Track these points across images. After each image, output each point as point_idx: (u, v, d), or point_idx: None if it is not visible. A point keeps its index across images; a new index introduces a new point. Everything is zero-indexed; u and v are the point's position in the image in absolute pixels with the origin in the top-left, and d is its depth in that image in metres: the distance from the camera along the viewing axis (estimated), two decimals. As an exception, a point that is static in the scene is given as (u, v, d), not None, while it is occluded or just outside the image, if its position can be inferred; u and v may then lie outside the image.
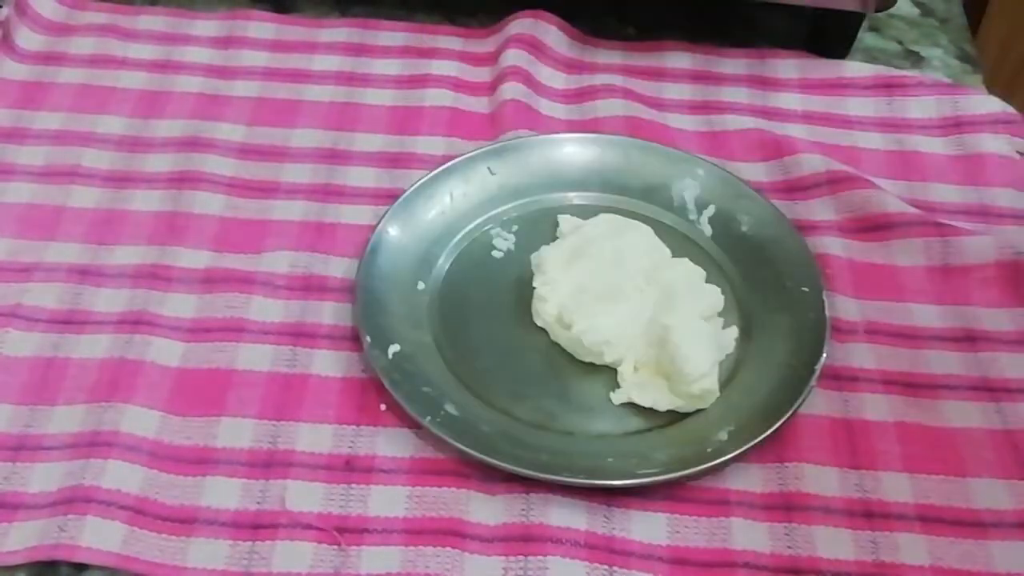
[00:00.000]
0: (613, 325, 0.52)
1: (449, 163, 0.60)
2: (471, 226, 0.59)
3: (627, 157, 0.61)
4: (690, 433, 0.50)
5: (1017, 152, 0.63)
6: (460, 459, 0.49)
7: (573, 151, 0.61)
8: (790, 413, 0.50)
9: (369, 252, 0.56)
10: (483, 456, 0.48)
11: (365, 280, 0.54)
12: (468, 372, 0.53)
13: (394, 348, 0.52)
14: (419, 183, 0.59)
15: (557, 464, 0.48)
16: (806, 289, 0.54)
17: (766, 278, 0.55)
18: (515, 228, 0.59)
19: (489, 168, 0.60)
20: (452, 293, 0.56)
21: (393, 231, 0.57)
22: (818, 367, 0.51)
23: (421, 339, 0.54)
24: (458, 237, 0.58)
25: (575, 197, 0.60)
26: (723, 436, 0.50)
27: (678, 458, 0.49)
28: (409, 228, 0.57)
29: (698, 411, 0.51)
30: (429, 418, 0.49)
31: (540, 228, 0.58)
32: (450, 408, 0.51)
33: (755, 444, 0.49)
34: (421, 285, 0.56)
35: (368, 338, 0.52)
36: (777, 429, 0.49)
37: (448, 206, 0.59)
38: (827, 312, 0.53)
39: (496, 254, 0.58)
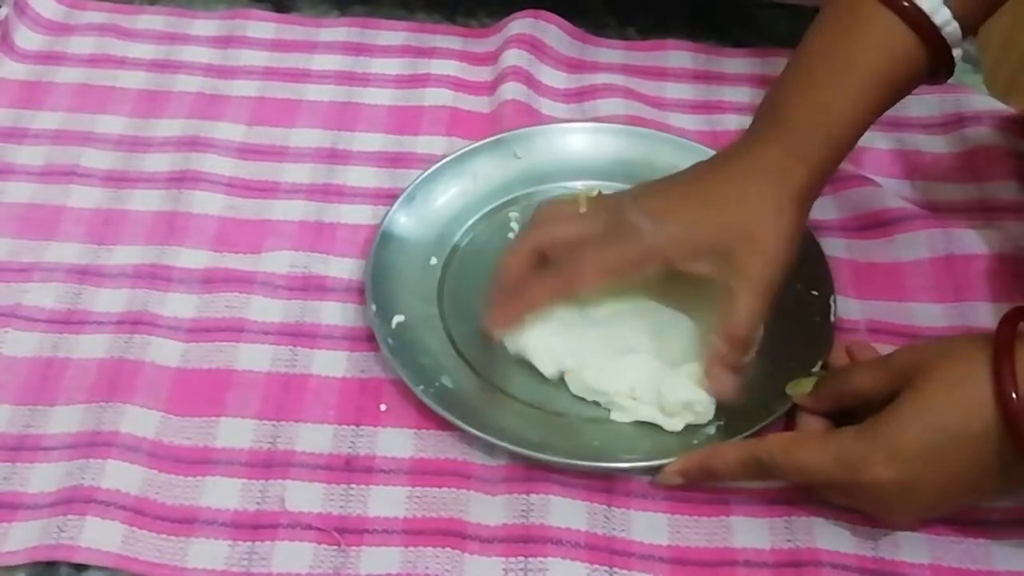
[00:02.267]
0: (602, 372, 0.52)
1: (477, 143, 0.60)
2: (491, 207, 0.59)
3: (653, 150, 0.61)
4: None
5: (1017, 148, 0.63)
6: (458, 437, 0.50)
7: (600, 140, 0.62)
8: (778, 415, 0.50)
9: (387, 223, 0.56)
10: (470, 428, 0.49)
11: (380, 250, 0.55)
12: (468, 348, 0.53)
13: (399, 318, 0.53)
14: (445, 161, 0.59)
15: (542, 443, 0.49)
16: (815, 293, 0.54)
17: None
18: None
19: (515, 152, 0.61)
20: (463, 271, 0.57)
21: (413, 205, 0.58)
22: (815, 370, 0.51)
23: (427, 311, 0.54)
24: (477, 217, 0.59)
25: (598, 186, 0.60)
26: (711, 430, 0.50)
27: (663, 446, 0.49)
28: (429, 204, 0.58)
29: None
30: (422, 387, 0.50)
31: None
32: (446, 380, 0.51)
33: (740, 440, 0.49)
34: (434, 260, 0.57)
35: (374, 306, 0.53)
36: (764, 428, 0.49)
37: (471, 186, 0.59)
38: (833, 318, 0.53)
39: (511, 236, 0.58)
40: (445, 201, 0.59)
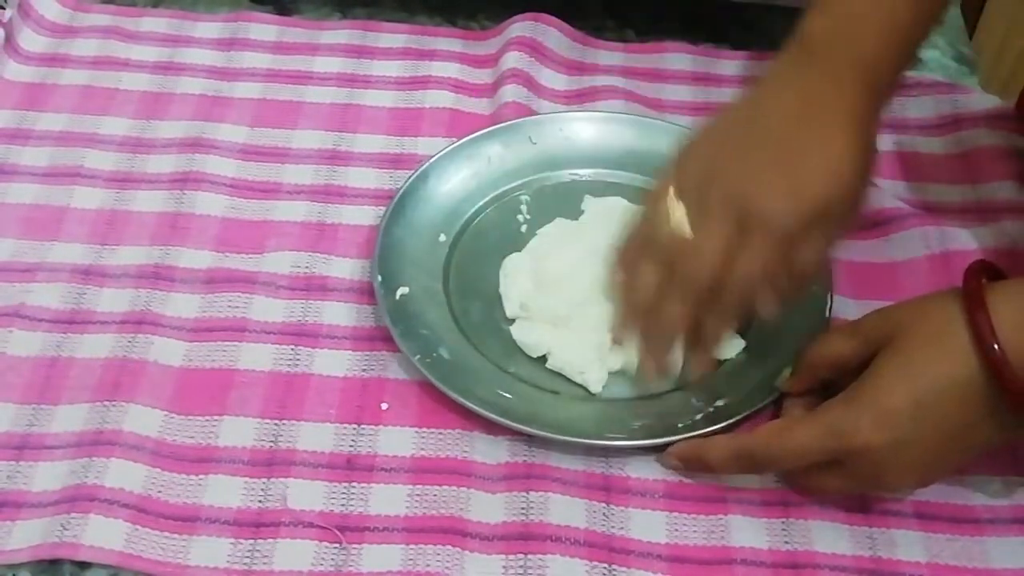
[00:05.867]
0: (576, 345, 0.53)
1: (492, 127, 0.61)
2: (502, 189, 0.60)
3: (663, 141, 0.61)
4: (669, 408, 0.51)
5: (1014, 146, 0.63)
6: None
7: (613, 129, 0.63)
8: (766, 402, 0.51)
9: (399, 199, 0.58)
10: (462, 399, 0.50)
11: (389, 225, 0.56)
12: (468, 323, 0.54)
13: (403, 290, 0.54)
14: (460, 143, 0.60)
15: (529, 416, 0.50)
16: (814, 289, 0.55)
17: None
18: (544, 197, 0.60)
19: (530, 137, 0.62)
20: (470, 249, 0.58)
21: (426, 184, 0.59)
22: None
23: (431, 286, 0.55)
24: (488, 198, 0.60)
25: (609, 175, 0.61)
26: (698, 416, 0.50)
27: (648, 429, 0.50)
28: (442, 183, 0.59)
29: (682, 388, 0.52)
30: (419, 357, 0.51)
31: (569, 201, 0.60)
32: (443, 352, 0.52)
33: (725, 427, 0.49)
34: (443, 237, 0.58)
35: (380, 276, 0.54)
36: (749, 417, 0.50)
37: (484, 168, 0.60)
38: (829, 313, 0.54)
39: (520, 218, 0.59)
40: (458, 180, 0.60)
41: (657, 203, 0.50)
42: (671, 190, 0.49)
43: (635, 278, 0.50)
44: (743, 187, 0.47)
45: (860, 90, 0.48)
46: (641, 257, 0.50)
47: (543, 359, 0.53)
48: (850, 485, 0.47)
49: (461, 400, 0.50)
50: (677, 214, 0.48)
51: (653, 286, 0.49)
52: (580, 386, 0.52)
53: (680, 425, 0.50)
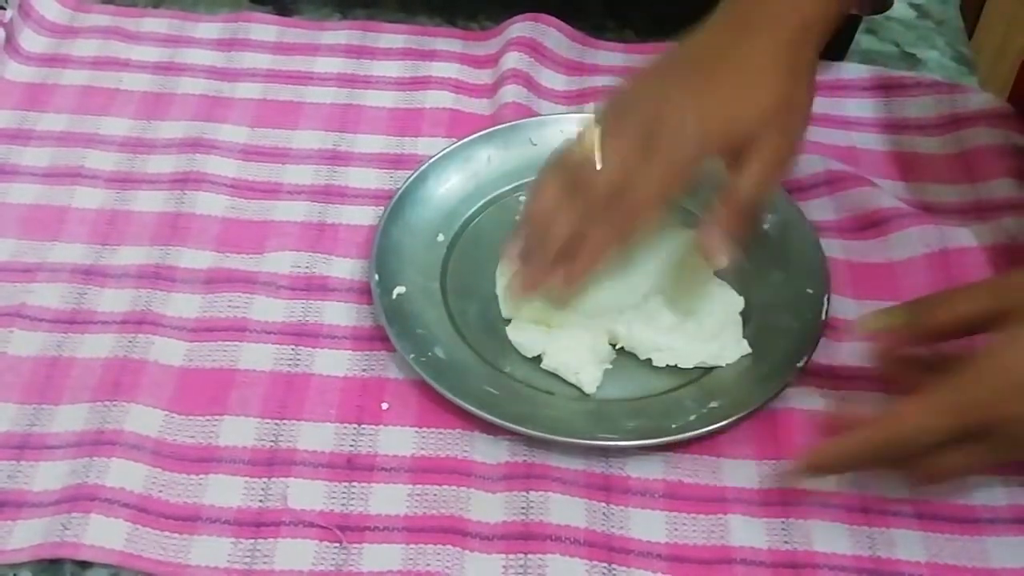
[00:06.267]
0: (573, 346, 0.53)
1: (492, 128, 0.62)
2: (502, 190, 0.61)
3: None
4: (663, 409, 0.51)
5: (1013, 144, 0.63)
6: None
7: None
8: (760, 404, 0.51)
9: (397, 200, 0.58)
10: (457, 399, 0.50)
11: (387, 225, 0.57)
12: (465, 323, 0.54)
13: (399, 290, 0.54)
14: (459, 143, 0.61)
15: (525, 416, 0.50)
16: (811, 291, 0.55)
17: (775, 275, 0.56)
18: None
19: (531, 138, 0.62)
20: (468, 249, 0.58)
21: (424, 185, 0.59)
22: (800, 364, 0.52)
23: (428, 285, 0.56)
24: (487, 199, 0.60)
25: None
26: (692, 417, 0.50)
27: (642, 429, 0.50)
28: (440, 184, 0.59)
29: (676, 389, 0.52)
30: (414, 356, 0.51)
31: None
32: (439, 352, 0.52)
33: (719, 428, 0.50)
34: (441, 237, 0.58)
35: (376, 276, 0.54)
36: (746, 418, 0.50)
37: (483, 168, 0.61)
38: (824, 316, 0.54)
39: (518, 219, 0.59)
40: (457, 181, 0.60)
41: (579, 134, 0.51)
42: (592, 120, 0.51)
43: (535, 196, 0.52)
44: (655, 109, 0.49)
45: (789, 24, 0.49)
46: (546, 179, 0.52)
47: (538, 359, 0.53)
48: (984, 459, 0.45)
49: (455, 399, 0.50)
50: (590, 139, 0.50)
51: (551, 203, 0.51)
52: (574, 386, 0.53)
53: (674, 426, 0.50)
